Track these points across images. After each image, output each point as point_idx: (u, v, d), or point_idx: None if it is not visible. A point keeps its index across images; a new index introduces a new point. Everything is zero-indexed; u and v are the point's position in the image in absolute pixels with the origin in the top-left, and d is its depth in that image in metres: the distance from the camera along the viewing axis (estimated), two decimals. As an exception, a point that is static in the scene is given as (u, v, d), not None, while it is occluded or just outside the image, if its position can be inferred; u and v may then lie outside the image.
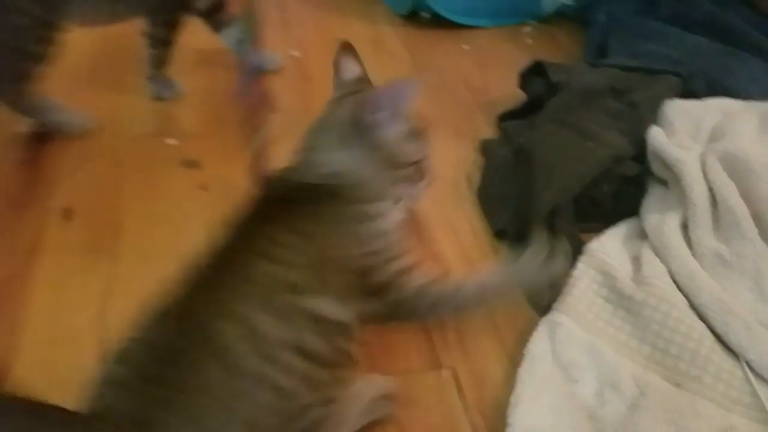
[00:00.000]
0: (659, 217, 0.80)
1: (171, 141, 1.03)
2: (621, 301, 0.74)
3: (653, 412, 0.65)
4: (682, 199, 0.79)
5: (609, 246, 0.81)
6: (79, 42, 1.21)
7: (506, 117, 1.07)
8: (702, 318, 0.72)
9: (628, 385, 0.68)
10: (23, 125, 1.03)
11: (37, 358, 0.71)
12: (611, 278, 0.75)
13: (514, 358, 0.72)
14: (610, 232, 0.84)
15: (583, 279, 0.77)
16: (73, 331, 0.74)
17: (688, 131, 0.87)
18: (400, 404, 0.68)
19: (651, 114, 0.90)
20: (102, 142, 1.02)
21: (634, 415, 0.65)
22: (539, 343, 0.71)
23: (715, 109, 0.90)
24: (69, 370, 0.66)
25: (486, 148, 1.01)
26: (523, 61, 1.22)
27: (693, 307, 0.73)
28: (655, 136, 0.86)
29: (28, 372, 0.69)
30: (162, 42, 1.07)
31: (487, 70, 1.24)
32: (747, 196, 0.77)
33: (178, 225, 0.88)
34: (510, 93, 1.11)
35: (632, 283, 0.75)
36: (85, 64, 1.19)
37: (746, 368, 0.69)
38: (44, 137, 1.02)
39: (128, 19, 1.04)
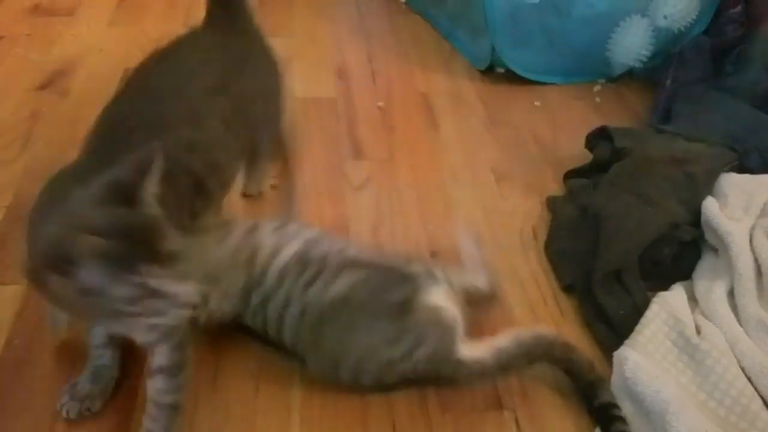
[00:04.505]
0: (708, 283, 0.88)
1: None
2: (687, 347, 0.82)
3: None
4: (729, 268, 0.88)
5: (678, 298, 0.88)
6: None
7: (572, 175, 1.16)
8: (748, 380, 0.80)
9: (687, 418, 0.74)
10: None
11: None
12: (681, 324, 0.83)
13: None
14: (677, 287, 0.92)
15: (656, 321, 0.84)
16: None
17: (740, 204, 0.95)
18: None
19: (707, 185, 0.99)
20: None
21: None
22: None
23: (767, 185, 0.97)
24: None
25: (553, 205, 1.10)
26: (592, 119, 1.32)
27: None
28: (709, 206, 0.95)
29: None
30: None
31: (557, 127, 1.33)
32: (791, 270, 0.85)
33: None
34: (577, 151, 1.21)
35: (696, 334, 0.83)
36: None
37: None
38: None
39: None
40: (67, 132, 1.29)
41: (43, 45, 1.56)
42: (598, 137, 1.16)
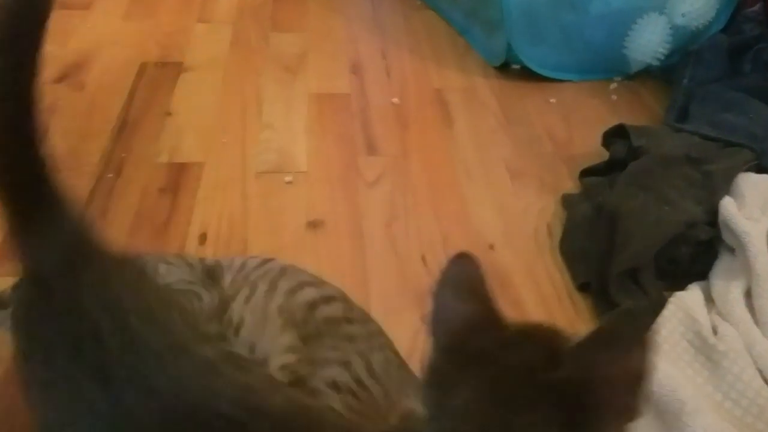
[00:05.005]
0: (725, 284, 0.88)
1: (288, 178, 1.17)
2: (704, 347, 0.81)
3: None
4: (746, 269, 0.87)
5: (695, 297, 0.88)
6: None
7: (588, 173, 1.15)
8: (765, 381, 0.79)
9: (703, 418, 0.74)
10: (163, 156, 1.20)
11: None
12: (698, 324, 0.82)
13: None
14: (693, 287, 0.91)
15: (672, 320, 0.84)
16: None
17: (757, 204, 0.94)
18: None
19: (724, 185, 0.98)
20: (232, 175, 1.18)
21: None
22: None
23: (785, 185, 0.97)
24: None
25: (568, 203, 1.10)
26: (607, 116, 1.31)
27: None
28: (726, 206, 0.94)
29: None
30: None
31: (572, 125, 1.32)
32: (809, 271, 0.84)
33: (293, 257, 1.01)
34: (593, 149, 1.20)
35: (713, 334, 0.82)
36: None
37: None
38: (182, 167, 1.18)
39: None
40: (83, 124, 1.30)
41: (59, 38, 1.56)
42: (615, 135, 1.15)
